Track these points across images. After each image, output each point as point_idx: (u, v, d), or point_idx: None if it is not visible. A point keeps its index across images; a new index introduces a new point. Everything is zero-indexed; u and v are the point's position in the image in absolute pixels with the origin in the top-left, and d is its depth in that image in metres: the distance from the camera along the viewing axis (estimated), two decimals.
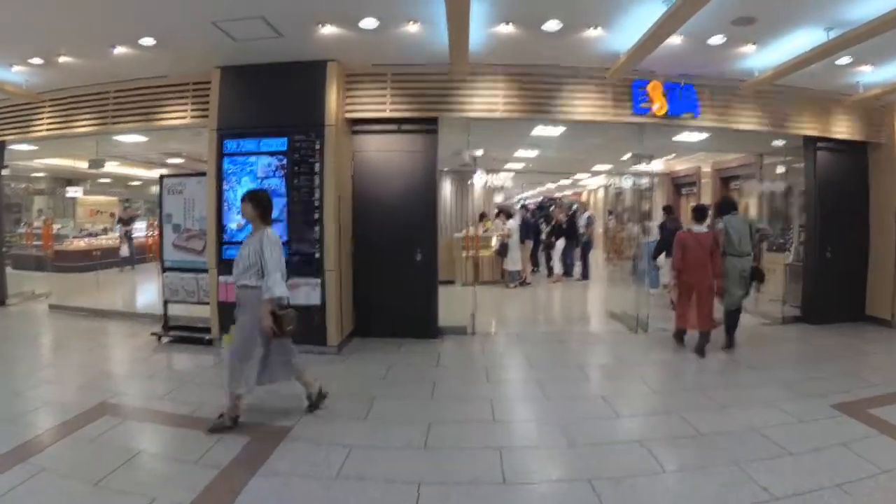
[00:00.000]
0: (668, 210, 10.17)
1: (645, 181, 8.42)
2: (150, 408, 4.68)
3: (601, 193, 15.75)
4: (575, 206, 14.47)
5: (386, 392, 5.11)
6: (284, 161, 6.18)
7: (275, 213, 6.01)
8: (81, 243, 12.94)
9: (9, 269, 10.68)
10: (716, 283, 6.25)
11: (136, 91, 7.16)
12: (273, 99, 6.26)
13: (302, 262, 6.15)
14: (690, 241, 6.32)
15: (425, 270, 6.75)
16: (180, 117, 6.92)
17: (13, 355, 6.28)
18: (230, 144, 6.28)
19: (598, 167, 13.25)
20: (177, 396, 4.95)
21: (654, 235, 9.54)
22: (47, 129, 7.79)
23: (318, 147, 6.12)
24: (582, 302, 10.48)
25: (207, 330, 6.62)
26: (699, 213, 6.57)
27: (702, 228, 6.45)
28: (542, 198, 23.22)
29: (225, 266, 6.28)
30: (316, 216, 6.12)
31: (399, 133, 6.75)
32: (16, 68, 6.75)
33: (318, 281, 6.13)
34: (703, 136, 8.78)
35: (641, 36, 5.61)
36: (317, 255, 6.14)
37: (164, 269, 6.83)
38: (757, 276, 6.61)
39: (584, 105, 6.90)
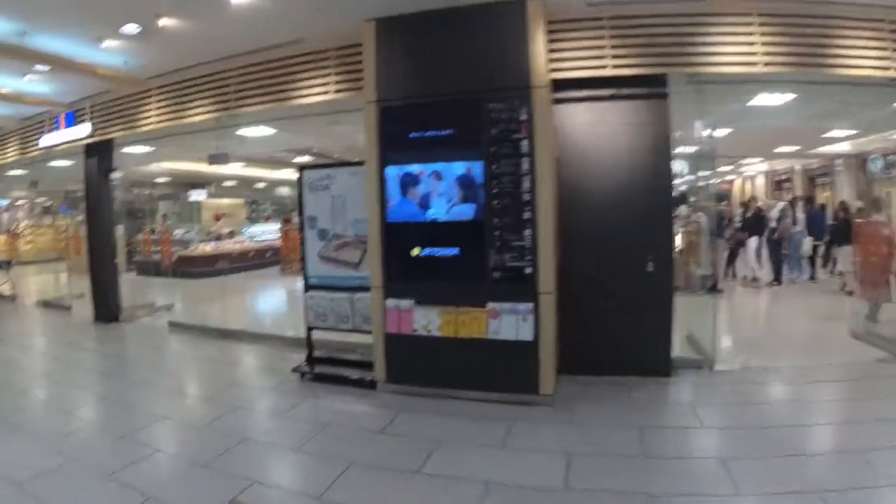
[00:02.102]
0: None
1: None
2: None
3: (760, 181, 13.10)
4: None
5: (667, 485, 3.06)
6: (475, 139, 4.18)
7: (468, 214, 4.13)
8: (207, 248, 11.54)
9: (132, 276, 9.50)
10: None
11: (262, 65, 5.41)
12: (453, 56, 4.26)
13: (506, 281, 4.15)
14: (869, 229, 6.44)
15: (658, 286, 4.62)
16: (321, 92, 5.05)
17: (113, 399, 4.61)
18: (395, 119, 4.33)
19: (783, 149, 10.66)
20: (347, 491, 3.09)
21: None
22: (157, 121, 6.17)
23: (524, 119, 4.08)
24: (802, 316, 7.78)
25: (369, 366, 4.74)
26: (876, 204, 6.88)
27: (881, 217, 6.60)
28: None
29: (397, 284, 4.38)
30: (526, 215, 4.09)
31: (615, 99, 4.63)
32: (107, 44, 5.03)
33: (530, 307, 4.11)
34: None
35: None
36: (527, 271, 4.12)
37: (308, 288, 4.97)
38: None
39: (861, 57, 4.60)
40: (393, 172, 4.34)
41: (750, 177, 13.99)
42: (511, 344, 4.16)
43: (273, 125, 6.39)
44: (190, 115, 5.89)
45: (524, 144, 4.07)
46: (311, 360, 5.04)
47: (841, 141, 9.35)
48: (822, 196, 12.71)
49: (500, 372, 4.23)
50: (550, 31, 4.49)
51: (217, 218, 15.84)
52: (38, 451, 3.58)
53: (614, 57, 4.46)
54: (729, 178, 17.16)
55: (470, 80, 4.20)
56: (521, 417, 4.03)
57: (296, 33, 4.86)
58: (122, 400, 4.58)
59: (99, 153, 7.35)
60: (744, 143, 9.93)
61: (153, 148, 7.79)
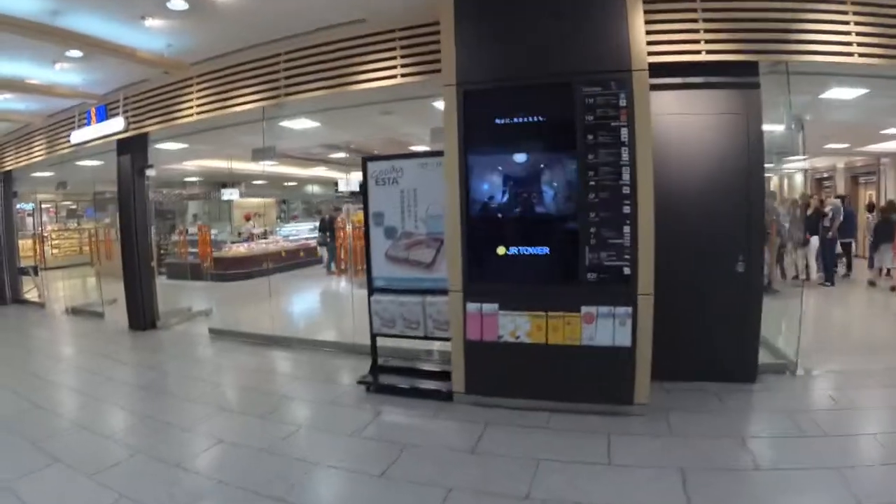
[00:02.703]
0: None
1: None
2: None
3: (799, 178, 12.78)
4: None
5: (793, 499, 2.82)
6: (569, 126, 3.79)
7: (561, 209, 3.70)
8: (241, 249, 11.03)
9: (163, 280, 9.09)
10: None
11: (317, 48, 4.99)
12: (542, 35, 3.86)
13: (603, 282, 3.76)
14: None
15: (747, 286, 4.29)
16: (386, 76, 4.63)
17: (161, 419, 4.08)
18: (478, 104, 3.91)
19: (832, 146, 10.43)
20: None
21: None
22: (198, 112, 5.75)
23: (623, 104, 3.71)
24: (866, 316, 7.62)
25: (439, 376, 4.32)
26: None
27: None
28: None
29: (480, 286, 3.96)
30: (626, 209, 3.71)
31: (705, 88, 4.29)
32: (151, 23, 4.53)
33: (628, 311, 3.73)
34: None
35: None
36: (626, 271, 3.74)
37: (373, 291, 4.51)
38: None
39: None
40: (476, 162, 3.92)
41: (788, 174, 13.72)
42: (606, 350, 3.78)
43: (315, 118, 5.94)
44: (235, 105, 5.43)
45: (623, 132, 3.70)
46: (375, 369, 4.58)
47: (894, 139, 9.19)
48: (865, 195, 12.57)
49: (592, 381, 3.86)
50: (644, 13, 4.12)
51: (247, 217, 15.21)
52: (84, 487, 3.07)
53: (708, 42, 4.11)
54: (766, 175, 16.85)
55: (562, 61, 3.81)
56: (618, 430, 3.66)
57: (359, 12, 4.43)
58: (171, 420, 4.07)
59: (132, 149, 6.85)
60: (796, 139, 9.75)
61: (186, 145, 7.33)
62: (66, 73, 5.80)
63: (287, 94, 5.03)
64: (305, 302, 10.10)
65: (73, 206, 16.81)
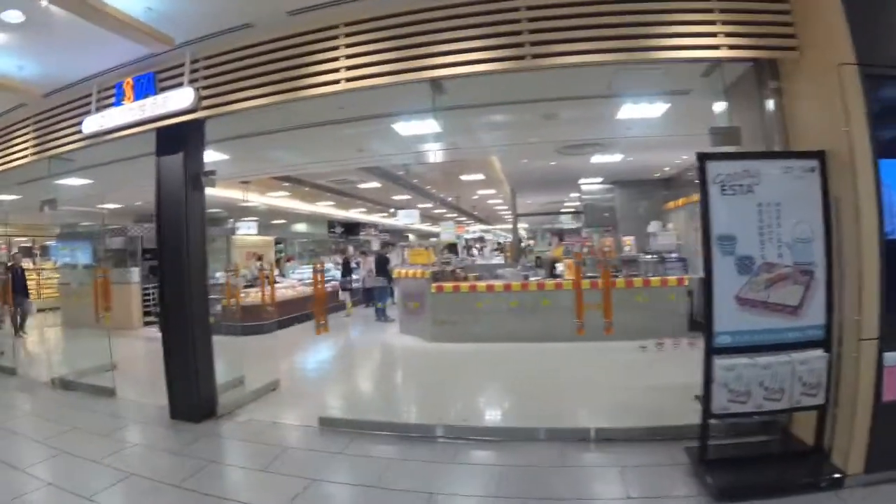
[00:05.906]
0: None
1: None
2: None
3: None
4: None
5: None
6: None
7: None
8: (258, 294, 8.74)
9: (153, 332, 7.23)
10: None
11: None
12: None
13: None
14: None
15: None
16: (702, 45, 3.30)
17: None
18: (888, 93, 3.00)
19: None
20: None
21: None
22: (349, 75, 3.38)
23: None
24: None
25: (794, 458, 3.13)
26: None
27: None
28: None
29: None
30: None
31: None
32: None
33: None
34: None
35: None
36: None
37: (716, 350, 3.00)
38: None
39: None
40: (890, 168, 2.97)
41: None
42: None
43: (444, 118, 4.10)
44: (434, 66, 3.24)
45: None
46: (704, 464, 3.08)
47: None
48: None
49: None
50: None
51: (258, 258, 11.95)
52: None
53: None
54: None
55: None
56: None
57: None
58: None
59: (184, 145, 3.91)
60: None
61: (228, 156, 4.43)
62: None
63: (535, 56, 3.15)
64: (413, 362, 7.01)
65: (29, 244, 14.08)
